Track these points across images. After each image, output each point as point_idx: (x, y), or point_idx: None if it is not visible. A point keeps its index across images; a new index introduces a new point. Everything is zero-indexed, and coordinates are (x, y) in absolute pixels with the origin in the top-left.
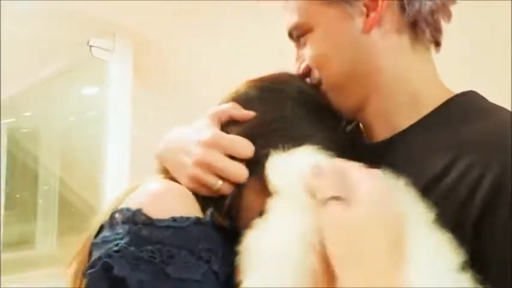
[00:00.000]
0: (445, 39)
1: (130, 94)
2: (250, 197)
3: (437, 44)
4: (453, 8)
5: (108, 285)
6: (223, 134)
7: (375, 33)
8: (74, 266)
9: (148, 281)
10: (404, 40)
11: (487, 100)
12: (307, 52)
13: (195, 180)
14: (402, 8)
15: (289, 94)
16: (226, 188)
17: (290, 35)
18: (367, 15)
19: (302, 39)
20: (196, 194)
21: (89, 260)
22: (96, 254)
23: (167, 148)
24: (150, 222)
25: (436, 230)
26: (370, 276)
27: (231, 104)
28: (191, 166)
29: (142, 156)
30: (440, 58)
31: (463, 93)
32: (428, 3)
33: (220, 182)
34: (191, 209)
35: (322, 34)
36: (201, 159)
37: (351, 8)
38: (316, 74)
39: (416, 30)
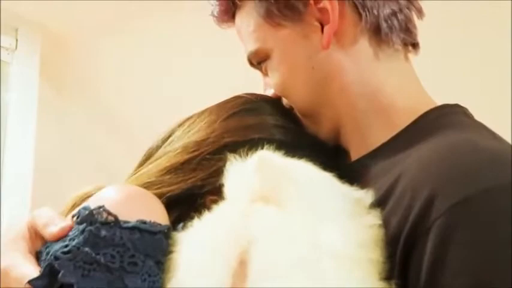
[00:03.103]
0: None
1: (37, 101)
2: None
3: (413, 45)
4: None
5: None
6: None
7: (334, 48)
8: None
9: None
10: (368, 49)
11: (464, 116)
12: (271, 80)
13: None
14: (359, 15)
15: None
16: None
17: (250, 63)
18: (322, 30)
19: (263, 66)
20: (166, 207)
21: None
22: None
23: None
24: (112, 221)
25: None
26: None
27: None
28: None
29: (47, 176)
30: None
31: (440, 107)
32: (389, 5)
33: None
34: (161, 217)
35: (278, 59)
36: None
37: (302, 26)
38: (285, 101)
39: (379, 36)
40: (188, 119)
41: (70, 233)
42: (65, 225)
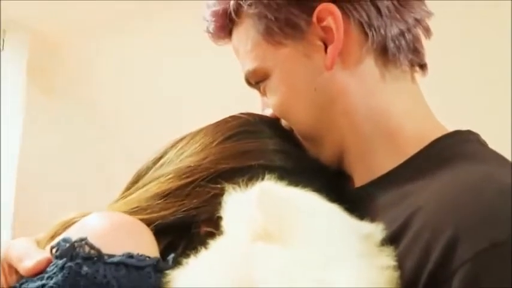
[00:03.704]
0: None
1: (24, 101)
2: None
3: (421, 66)
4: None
5: None
6: None
7: (338, 68)
8: None
9: None
10: (373, 69)
11: (478, 144)
12: (269, 101)
13: None
14: (365, 35)
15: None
16: None
17: (248, 82)
18: (325, 50)
19: (261, 86)
20: (156, 233)
21: None
22: None
23: None
24: (96, 256)
25: None
26: None
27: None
28: None
29: (32, 175)
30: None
31: (451, 134)
32: (397, 24)
33: None
34: (150, 247)
35: (278, 80)
36: None
37: (304, 45)
38: (285, 122)
39: (386, 56)
40: (181, 139)
41: (48, 269)
42: (42, 258)
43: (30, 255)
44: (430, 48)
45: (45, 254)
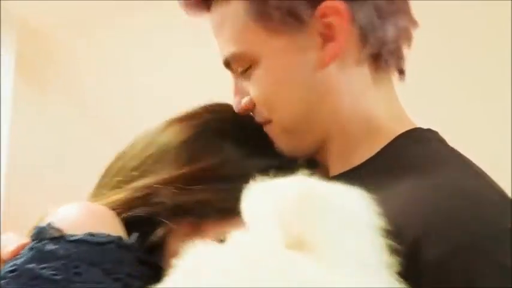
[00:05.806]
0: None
1: (12, 93)
2: (178, 241)
3: (401, 71)
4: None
5: None
6: None
7: (332, 67)
8: None
9: None
10: (366, 73)
11: (439, 143)
12: (252, 88)
13: None
14: (363, 37)
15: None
16: None
17: (227, 64)
18: (323, 47)
19: (240, 70)
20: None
21: None
22: None
23: None
24: (58, 236)
25: None
26: None
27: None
28: None
29: (21, 167)
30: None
31: (411, 131)
32: (392, 29)
33: None
34: (114, 228)
35: (269, 69)
36: None
37: (302, 38)
38: (264, 113)
39: (379, 61)
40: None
41: (22, 252)
42: (20, 244)
43: (12, 243)
44: (431, 48)
45: (24, 240)
